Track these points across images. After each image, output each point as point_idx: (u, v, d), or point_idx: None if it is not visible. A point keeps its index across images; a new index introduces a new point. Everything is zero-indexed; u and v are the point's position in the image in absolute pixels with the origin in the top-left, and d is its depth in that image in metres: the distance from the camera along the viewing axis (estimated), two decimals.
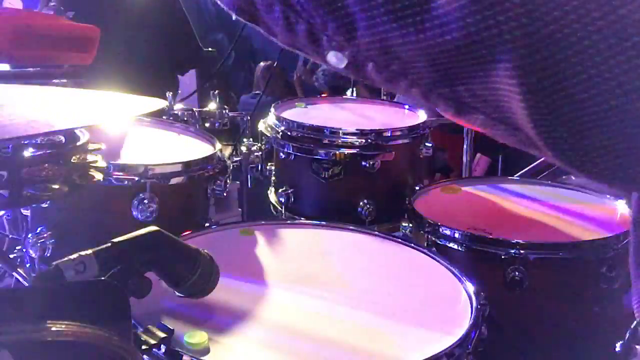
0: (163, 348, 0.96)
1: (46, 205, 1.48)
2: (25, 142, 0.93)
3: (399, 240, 1.48)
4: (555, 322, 1.46)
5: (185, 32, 3.06)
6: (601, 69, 0.38)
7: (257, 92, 4.78)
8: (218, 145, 1.74)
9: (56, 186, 0.95)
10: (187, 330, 1.02)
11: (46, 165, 0.94)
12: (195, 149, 1.78)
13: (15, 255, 1.66)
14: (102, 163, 1.07)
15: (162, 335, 0.97)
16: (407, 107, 2.19)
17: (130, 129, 1.85)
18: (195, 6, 6.17)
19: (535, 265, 1.44)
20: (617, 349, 1.13)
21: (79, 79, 1.91)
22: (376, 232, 1.51)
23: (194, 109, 2.05)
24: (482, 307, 1.16)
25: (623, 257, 1.52)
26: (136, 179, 1.48)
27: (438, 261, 1.35)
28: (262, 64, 5.02)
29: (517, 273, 1.41)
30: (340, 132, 1.79)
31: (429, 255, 1.39)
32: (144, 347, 0.96)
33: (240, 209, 2.28)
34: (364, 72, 0.45)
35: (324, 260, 1.38)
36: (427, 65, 0.43)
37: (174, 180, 1.54)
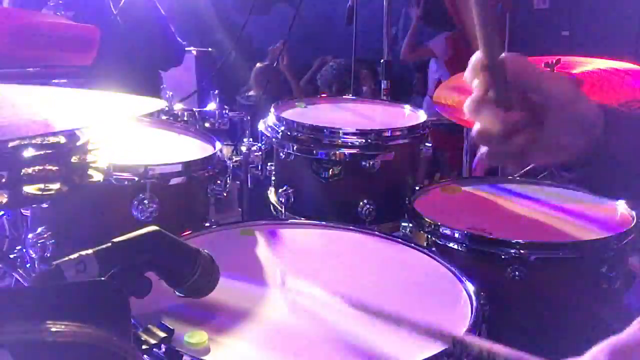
0: (163, 348, 0.96)
1: (46, 205, 1.48)
2: (25, 142, 0.93)
3: (399, 240, 1.48)
4: (555, 322, 1.46)
5: (165, 32, 3.12)
6: None
7: (250, 93, 4.78)
8: (218, 145, 1.74)
9: (56, 186, 0.95)
10: (187, 330, 1.02)
11: (46, 165, 0.94)
12: (195, 149, 1.78)
13: (15, 255, 1.66)
14: (102, 163, 1.07)
15: (162, 335, 0.97)
16: (407, 107, 2.19)
17: (129, 129, 1.85)
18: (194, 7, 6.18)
19: (535, 265, 1.44)
20: None
21: (79, 79, 1.91)
22: (376, 232, 1.51)
23: (194, 109, 2.05)
24: (482, 307, 1.16)
25: (623, 257, 1.52)
26: (136, 179, 1.48)
27: (438, 261, 1.35)
28: (258, 64, 5.00)
29: (517, 273, 1.41)
30: (340, 132, 1.79)
31: (429, 255, 1.39)
32: (144, 347, 0.96)
33: (240, 209, 2.28)
34: None
35: (323, 260, 1.38)
36: None
37: (174, 181, 1.54)
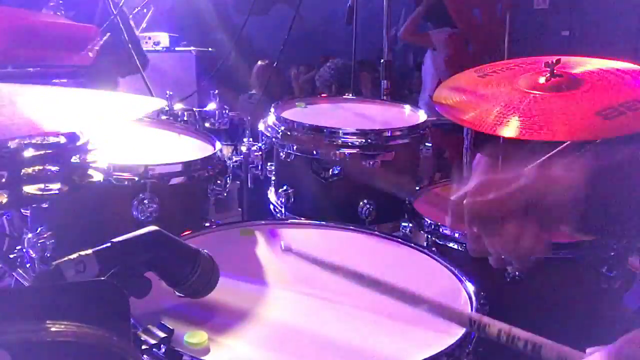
0: (163, 348, 0.96)
1: (46, 205, 1.48)
2: (25, 142, 0.93)
3: (399, 240, 1.47)
4: (556, 323, 1.46)
5: (133, 38, 3.11)
6: None
7: (253, 92, 4.78)
8: (218, 145, 1.74)
9: (56, 186, 0.95)
10: (187, 330, 1.02)
11: (46, 165, 0.94)
12: (195, 149, 1.78)
13: (15, 255, 1.66)
14: (102, 163, 1.07)
15: (162, 335, 0.97)
16: (407, 107, 2.19)
17: (129, 129, 1.85)
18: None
19: (535, 265, 1.44)
20: None
21: (79, 79, 1.91)
22: (376, 232, 1.51)
23: (194, 109, 2.05)
24: (482, 307, 1.16)
25: (623, 257, 1.52)
26: (136, 179, 1.48)
27: (438, 261, 1.35)
28: (259, 62, 5.02)
29: (517, 273, 1.41)
30: (340, 132, 1.79)
31: (429, 255, 1.39)
32: (144, 347, 0.96)
33: (240, 209, 2.28)
34: None
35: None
36: None
37: (174, 180, 1.54)
